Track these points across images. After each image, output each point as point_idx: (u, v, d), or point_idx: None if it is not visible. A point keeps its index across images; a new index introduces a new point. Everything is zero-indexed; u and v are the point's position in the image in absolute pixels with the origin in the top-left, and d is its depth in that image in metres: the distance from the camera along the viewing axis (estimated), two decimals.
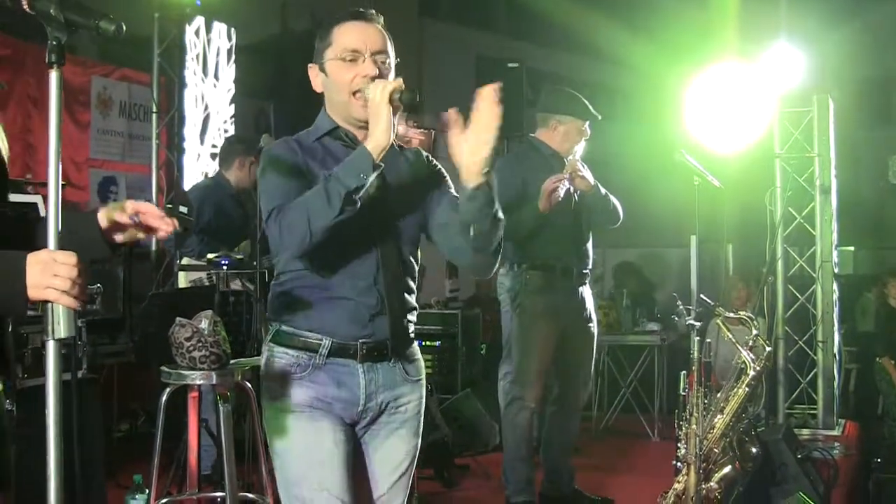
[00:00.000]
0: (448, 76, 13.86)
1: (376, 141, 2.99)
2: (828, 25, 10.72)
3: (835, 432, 8.29)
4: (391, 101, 2.99)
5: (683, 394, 5.48)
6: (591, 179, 5.93)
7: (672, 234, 9.41)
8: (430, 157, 3.43)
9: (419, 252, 3.37)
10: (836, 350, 8.56)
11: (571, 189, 5.82)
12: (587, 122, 6.10)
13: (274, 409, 3.26)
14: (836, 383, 8.54)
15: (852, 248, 16.67)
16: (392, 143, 3.06)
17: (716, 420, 5.37)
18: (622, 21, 14.41)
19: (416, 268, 3.35)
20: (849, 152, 14.19)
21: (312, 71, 3.31)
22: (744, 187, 9.01)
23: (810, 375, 8.51)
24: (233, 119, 9.63)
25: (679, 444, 5.43)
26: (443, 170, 3.39)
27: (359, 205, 2.97)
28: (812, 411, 8.51)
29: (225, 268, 6.24)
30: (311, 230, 2.98)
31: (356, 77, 3.19)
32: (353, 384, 3.22)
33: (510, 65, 9.92)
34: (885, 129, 21.93)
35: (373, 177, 2.97)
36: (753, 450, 5.66)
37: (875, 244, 18.81)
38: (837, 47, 11.13)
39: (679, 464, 5.41)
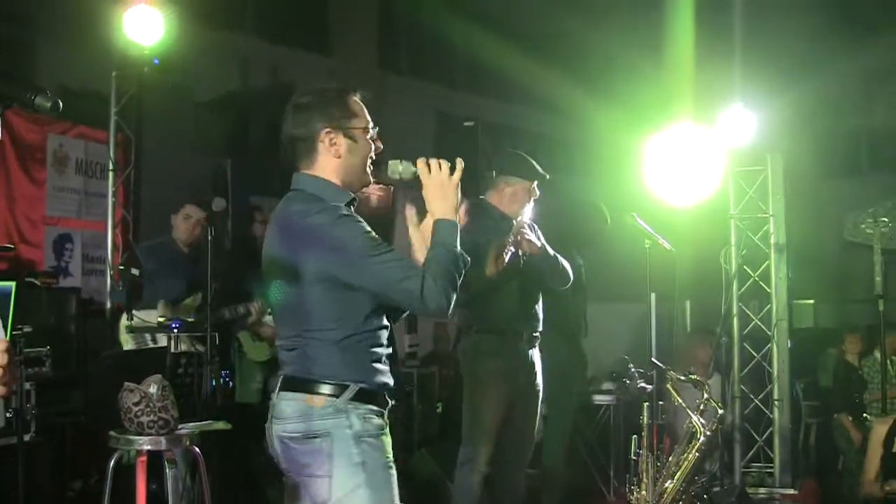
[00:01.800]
0: (408, 130, 13.90)
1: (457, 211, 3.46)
2: (783, 84, 10.83)
3: (792, 491, 8.29)
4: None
5: (635, 458, 5.48)
6: (539, 242, 5.92)
7: (628, 289, 9.40)
8: None
9: None
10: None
11: (520, 252, 5.81)
12: (535, 183, 6.11)
13: None
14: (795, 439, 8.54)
15: (812, 302, 16.76)
16: None
17: (667, 485, 5.37)
18: (581, 80, 14.49)
19: None
20: (809, 205, 14.33)
21: (336, 135, 3.49)
22: (700, 244, 9.07)
23: (767, 433, 8.51)
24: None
25: None
26: None
27: None
28: (769, 470, 8.51)
29: (175, 331, 6.20)
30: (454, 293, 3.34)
31: (374, 150, 3.54)
32: None
33: (466, 123, 9.96)
34: (845, 181, 22.18)
35: None
36: None
37: (835, 297, 18.94)
38: (794, 104, 11.25)
39: None
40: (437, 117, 14.63)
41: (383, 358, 3.45)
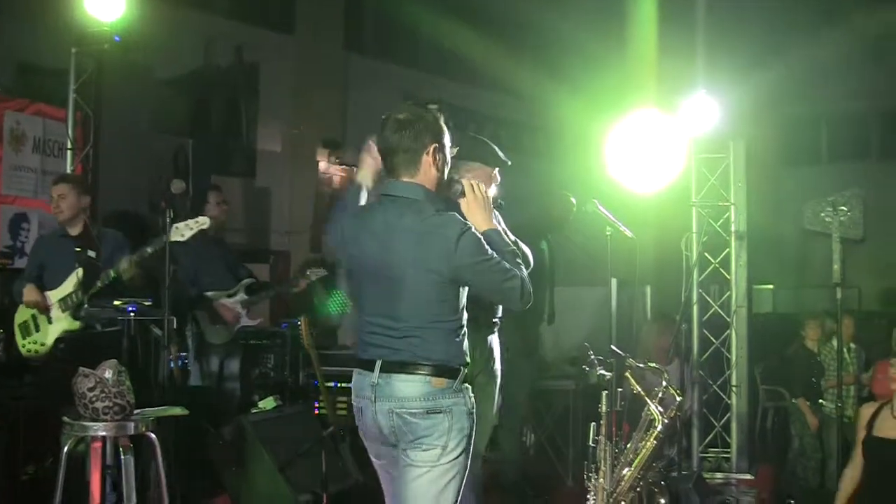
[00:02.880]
0: (372, 112, 13.81)
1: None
2: (746, 72, 10.88)
3: (748, 476, 8.33)
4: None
5: (593, 445, 5.48)
6: (500, 226, 5.90)
7: (589, 273, 9.43)
8: None
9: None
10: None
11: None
12: (496, 169, 6.08)
13: None
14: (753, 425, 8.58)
15: (771, 287, 16.92)
16: None
17: (624, 472, 5.38)
18: (546, 66, 14.51)
19: None
20: (770, 191, 14.42)
21: (439, 153, 4.14)
22: (661, 230, 9.09)
23: (724, 419, 8.56)
24: None
25: (589, 497, 5.43)
26: None
27: None
28: (726, 455, 8.55)
29: (132, 314, 6.14)
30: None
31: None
32: None
33: (430, 105, 9.88)
34: (805, 168, 22.34)
35: None
36: (662, 501, 5.68)
37: (794, 283, 19.11)
38: (756, 92, 11.30)
39: None
40: (402, 98, 14.56)
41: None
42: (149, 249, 6.49)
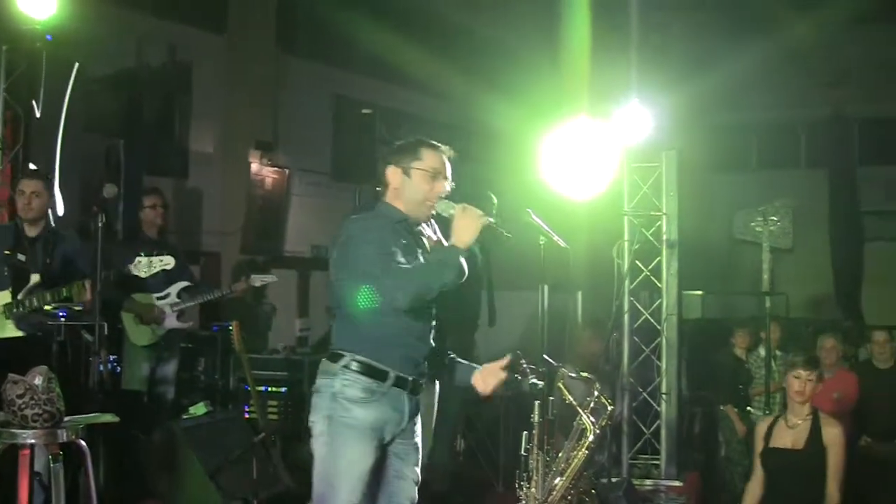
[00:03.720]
0: (305, 114, 13.78)
1: (465, 246, 4.46)
2: (678, 79, 10.95)
3: (677, 483, 8.41)
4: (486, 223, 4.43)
5: (525, 455, 5.50)
6: (435, 235, 5.90)
7: (521, 277, 9.44)
8: None
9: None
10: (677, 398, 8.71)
11: None
12: None
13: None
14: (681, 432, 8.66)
15: (700, 293, 17.06)
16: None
17: (556, 482, 5.40)
18: (481, 72, 14.54)
19: None
20: (700, 198, 14.55)
21: (395, 171, 4.53)
22: (594, 237, 9.14)
23: (654, 426, 8.63)
24: None
25: None
26: None
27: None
28: (655, 462, 8.63)
29: (63, 319, 6.06)
30: (405, 299, 4.22)
31: (433, 191, 4.52)
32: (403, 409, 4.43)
33: (364, 111, 9.90)
34: (736, 174, 22.61)
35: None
36: None
37: (723, 289, 19.30)
38: (689, 98, 11.39)
39: None
40: (335, 101, 14.53)
41: None
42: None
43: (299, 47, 14.83)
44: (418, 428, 4.65)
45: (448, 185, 4.55)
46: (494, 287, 8.59)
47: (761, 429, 6.40)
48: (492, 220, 4.49)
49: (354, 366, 4.32)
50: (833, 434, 6.10)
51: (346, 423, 4.28)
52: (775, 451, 6.22)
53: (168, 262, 6.41)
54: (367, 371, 4.33)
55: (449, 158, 4.63)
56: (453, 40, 15.25)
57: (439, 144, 4.62)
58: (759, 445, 6.37)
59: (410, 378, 4.44)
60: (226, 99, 13.47)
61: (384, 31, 13.57)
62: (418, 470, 4.65)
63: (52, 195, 6.88)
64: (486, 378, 4.92)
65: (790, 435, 6.19)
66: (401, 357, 4.41)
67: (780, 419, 6.33)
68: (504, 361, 4.89)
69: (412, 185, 4.50)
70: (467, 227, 4.41)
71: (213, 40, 13.33)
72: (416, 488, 4.64)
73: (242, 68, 13.52)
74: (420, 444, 4.67)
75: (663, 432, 8.56)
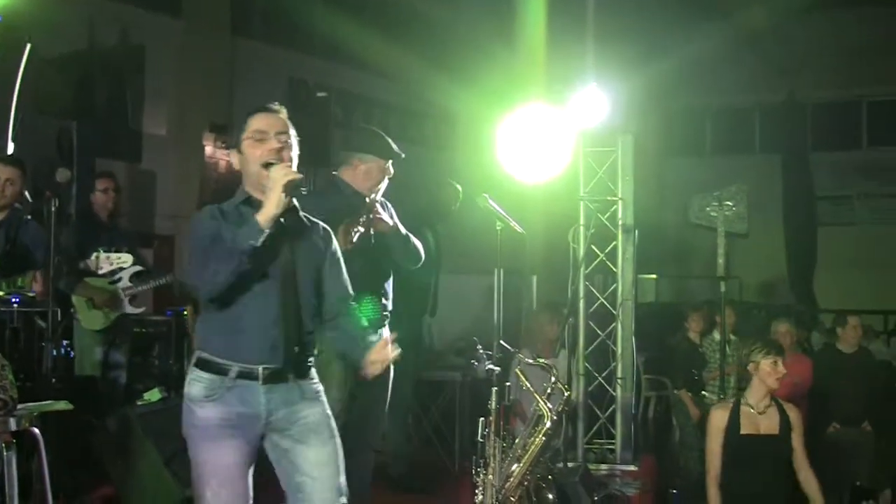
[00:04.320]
0: (260, 97, 13.65)
1: (265, 213, 3.91)
2: (635, 63, 10.98)
3: (632, 467, 8.42)
4: (286, 187, 3.92)
5: (481, 440, 5.50)
6: (392, 221, 5.89)
7: (477, 261, 9.46)
8: (333, 241, 4.44)
9: None
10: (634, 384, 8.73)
11: (371, 230, 5.75)
12: (390, 161, 6.07)
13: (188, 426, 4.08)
14: (633, 419, 8.69)
15: (655, 277, 17.18)
16: (302, 218, 4.21)
17: (513, 468, 5.40)
18: (437, 56, 14.50)
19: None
20: (655, 182, 14.63)
21: (233, 155, 4.27)
22: (550, 221, 9.14)
23: (609, 411, 8.65)
24: None
25: (477, 492, 5.44)
26: (337, 253, 4.44)
27: (253, 260, 3.91)
28: (610, 446, 8.64)
29: (16, 306, 5.97)
30: (218, 279, 3.91)
31: (263, 152, 4.11)
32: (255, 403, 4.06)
33: (319, 94, 9.84)
34: (691, 158, 22.76)
35: (261, 239, 3.89)
36: (550, 496, 5.72)
37: (677, 272, 19.44)
38: (645, 83, 11.43)
39: None
40: (290, 84, 14.43)
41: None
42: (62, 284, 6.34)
43: (255, 30, 14.74)
44: (315, 418, 4.22)
45: (279, 143, 4.14)
46: (448, 271, 8.57)
47: (720, 418, 6.34)
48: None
49: (197, 363, 4.11)
50: (795, 417, 6.17)
51: (193, 424, 4.07)
52: (751, 438, 6.18)
53: (126, 260, 6.37)
54: (207, 367, 4.07)
55: (288, 118, 4.28)
56: (410, 24, 15.21)
57: (270, 105, 4.28)
58: (720, 435, 6.32)
59: (261, 367, 4.06)
60: (180, 81, 13.36)
61: (340, 14, 13.51)
62: (333, 469, 4.21)
63: (24, 183, 6.78)
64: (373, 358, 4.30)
65: (762, 421, 6.18)
66: (247, 346, 4.07)
67: (741, 406, 6.31)
68: (389, 338, 4.36)
69: (245, 158, 4.19)
70: (270, 197, 3.95)
71: (168, 22, 13.23)
72: (338, 491, 4.20)
73: (197, 51, 13.42)
74: (328, 437, 4.23)
75: (618, 417, 8.56)
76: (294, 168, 4.17)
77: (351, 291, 4.48)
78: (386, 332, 6.11)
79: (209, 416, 4.03)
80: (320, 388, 4.32)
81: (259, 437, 4.12)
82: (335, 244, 4.44)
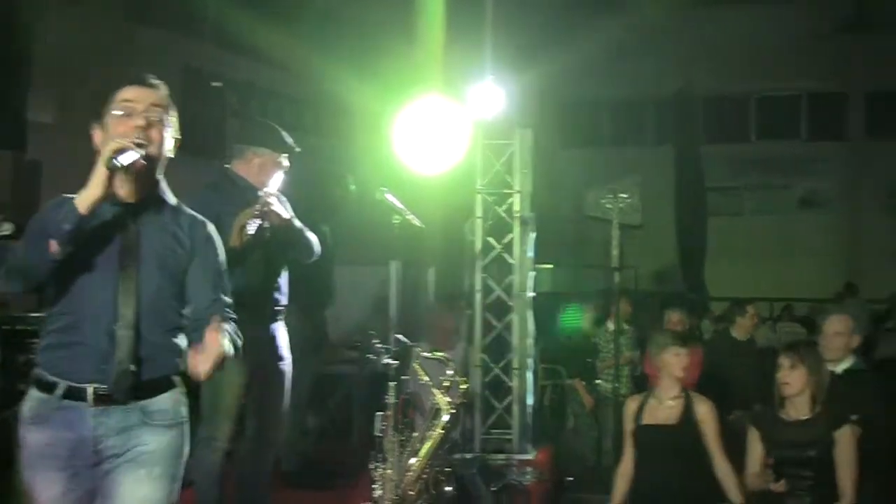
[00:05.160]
0: None
1: (83, 195, 3.38)
2: (533, 56, 11.03)
3: (529, 456, 8.48)
4: (108, 162, 3.35)
5: (379, 435, 5.48)
6: (286, 214, 5.82)
7: (373, 252, 9.39)
8: (209, 239, 3.78)
9: None
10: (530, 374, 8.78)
11: (265, 224, 5.67)
12: (284, 155, 6.00)
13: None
14: (528, 409, 8.74)
15: (551, 266, 17.28)
16: (169, 203, 3.66)
17: (411, 462, 5.39)
18: (334, 46, 14.41)
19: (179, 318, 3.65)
20: (551, 173, 14.71)
21: (95, 131, 3.66)
22: (447, 213, 9.14)
23: (506, 401, 8.68)
24: None
25: (375, 486, 5.42)
26: (212, 254, 3.78)
27: (70, 248, 3.33)
28: (507, 436, 8.68)
29: None
30: (25, 273, 3.39)
31: (127, 129, 3.50)
32: (83, 427, 3.44)
33: (214, 84, 9.70)
34: (587, 149, 23.00)
35: (74, 223, 3.32)
36: (448, 488, 5.72)
37: (573, 262, 19.61)
38: (543, 76, 11.48)
39: None
40: (185, 73, 14.22)
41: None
42: None
43: (149, 17, 14.48)
44: (154, 448, 3.61)
45: (144, 120, 3.56)
46: (344, 263, 8.51)
47: (631, 408, 6.46)
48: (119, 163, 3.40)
49: (32, 378, 3.55)
50: (705, 410, 6.23)
51: (22, 445, 3.52)
52: (648, 427, 6.29)
53: (7, 228, 6.19)
54: (38, 383, 3.51)
55: (167, 95, 3.70)
56: (306, 14, 15.10)
57: (146, 76, 3.68)
58: (629, 424, 6.43)
59: (91, 387, 3.44)
60: (70, 68, 13.07)
61: (236, 3, 13.34)
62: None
63: None
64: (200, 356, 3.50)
65: (663, 411, 6.27)
66: (76, 360, 3.47)
67: (649, 397, 6.41)
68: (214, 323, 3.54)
69: (106, 136, 3.58)
70: (93, 175, 3.42)
71: (61, 10, 12.93)
72: None
73: (88, 37, 13.14)
74: (160, 475, 3.62)
75: (515, 407, 8.61)
76: (167, 152, 3.64)
77: (226, 298, 3.84)
78: (281, 327, 6.06)
79: (34, 441, 3.48)
80: (178, 409, 3.74)
81: (92, 466, 3.50)
82: (213, 241, 3.84)
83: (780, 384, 5.65)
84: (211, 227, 3.86)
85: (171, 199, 3.74)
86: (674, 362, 6.28)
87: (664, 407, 6.27)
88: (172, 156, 3.69)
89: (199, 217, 3.84)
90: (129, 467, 3.52)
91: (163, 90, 3.67)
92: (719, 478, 6.11)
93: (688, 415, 6.20)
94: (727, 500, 6.08)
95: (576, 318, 10.91)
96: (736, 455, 6.12)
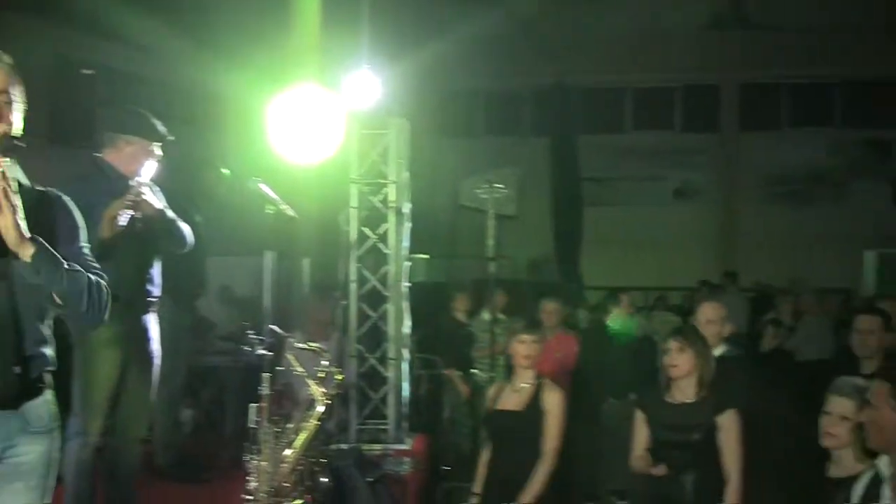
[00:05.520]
0: (21, 73, 13.11)
1: None
2: (410, 45, 11.03)
3: (405, 446, 8.50)
4: None
5: (254, 427, 5.44)
6: (159, 204, 5.74)
7: (247, 242, 9.30)
8: (74, 229, 3.57)
9: None
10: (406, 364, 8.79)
11: (137, 214, 5.57)
12: (157, 143, 5.91)
13: None
14: (404, 399, 8.75)
15: (427, 257, 17.34)
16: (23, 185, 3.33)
17: (286, 453, 5.37)
18: (207, 34, 14.21)
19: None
20: (427, 163, 14.73)
21: None
22: (323, 203, 9.10)
23: (382, 391, 8.69)
24: None
25: (249, 478, 5.38)
26: (78, 244, 3.55)
27: None
28: (383, 426, 8.69)
29: None
30: None
31: None
32: None
33: (84, 71, 9.50)
34: (463, 140, 23.07)
35: None
36: (324, 480, 5.71)
37: (448, 252, 19.68)
38: (420, 66, 11.49)
39: (248, 497, 5.37)
40: (54, 59, 13.88)
41: None
42: None
43: (18, 2, 14.09)
44: (31, 458, 3.49)
45: None
46: (217, 254, 8.42)
47: (490, 393, 6.55)
48: None
49: None
50: (552, 399, 6.28)
51: None
52: (498, 413, 6.38)
53: None
54: None
55: (11, 71, 3.49)
56: (180, 1, 14.85)
57: None
58: (487, 410, 6.50)
59: None
60: None
61: None
62: None
63: None
64: None
65: (514, 398, 6.34)
66: None
67: (506, 384, 6.47)
68: None
69: None
70: None
71: None
72: None
73: None
74: (34, 486, 3.51)
75: (390, 397, 8.62)
76: (14, 131, 3.41)
77: (87, 250, 3.66)
78: (152, 319, 5.98)
79: None
80: (53, 412, 3.63)
81: None
82: (77, 231, 3.66)
83: (667, 367, 5.75)
84: (62, 197, 3.67)
85: (24, 180, 3.51)
86: (519, 350, 6.34)
87: (516, 393, 6.34)
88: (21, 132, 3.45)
89: (50, 191, 3.66)
90: (6, 479, 3.38)
91: (6, 66, 3.48)
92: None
93: (535, 402, 6.27)
94: (579, 490, 6.18)
95: None
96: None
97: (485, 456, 6.42)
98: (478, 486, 6.38)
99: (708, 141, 24.67)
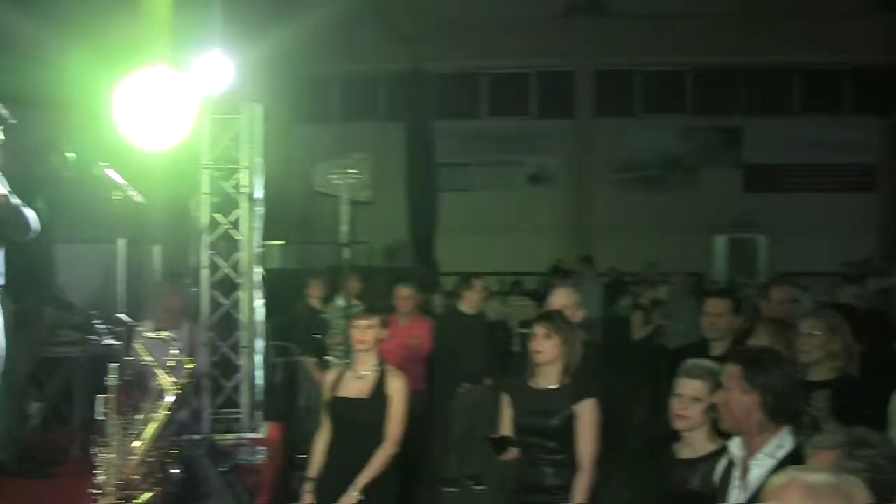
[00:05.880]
0: None
1: None
2: (263, 30, 10.89)
3: (260, 435, 8.42)
4: None
5: (101, 418, 5.32)
6: (2, 189, 5.55)
7: (93, 230, 9.07)
8: None
9: None
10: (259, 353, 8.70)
11: None
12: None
13: None
14: (258, 388, 8.66)
15: (281, 243, 17.24)
16: None
17: (135, 445, 5.25)
18: (48, 11, 13.79)
19: None
20: (281, 148, 14.58)
21: None
22: (173, 189, 8.93)
23: (235, 380, 8.58)
24: None
25: (97, 471, 5.25)
26: None
27: None
28: (237, 416, 8.59)
29: None
30: None
31: None
32: None
33: None
34: (317, 127, 22.95)
35: None
36: (175, 471, 5.61)
37: (303, 238, 19.59)
38: (273, 49, 11.34)
39: (97, 491, 5.24)
40: None
41: None
42: None
43: None
44: None
45: None
46: (64, 241, 8.17)
47: (329, 379, 6.49)
48: None
49: None
50: (396, 386, 6.27)
51: None
52: (341, 399, 6.32)
53: None
54: None
55: None
56: None
57: None
58: (326, 395, 6.45)
59: None
60: None
61: None
62: None
63: None
64: None
65: (357, 385, 6.30)
66: None
67: (347, 370, 6.43)
68: None
69: None
70: None
71: None
72: None
73: None
74: None
75: (244, 386, 8.53)
76: None
77: None
78: None
79: None
80: None
81: None
82: None
83: (532, 352, 5.78)
84: None
85: None
86: (354, 335, 6.34)
87: (359, 380, 6.32)
88: None
89: None
90: None
91: None
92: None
93: (379, 389, 6.26)
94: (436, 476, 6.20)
95: None
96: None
97: (322, 441, 6.37)
98: (313, 472, 6.33)
99: (563, 126, 25.01)
